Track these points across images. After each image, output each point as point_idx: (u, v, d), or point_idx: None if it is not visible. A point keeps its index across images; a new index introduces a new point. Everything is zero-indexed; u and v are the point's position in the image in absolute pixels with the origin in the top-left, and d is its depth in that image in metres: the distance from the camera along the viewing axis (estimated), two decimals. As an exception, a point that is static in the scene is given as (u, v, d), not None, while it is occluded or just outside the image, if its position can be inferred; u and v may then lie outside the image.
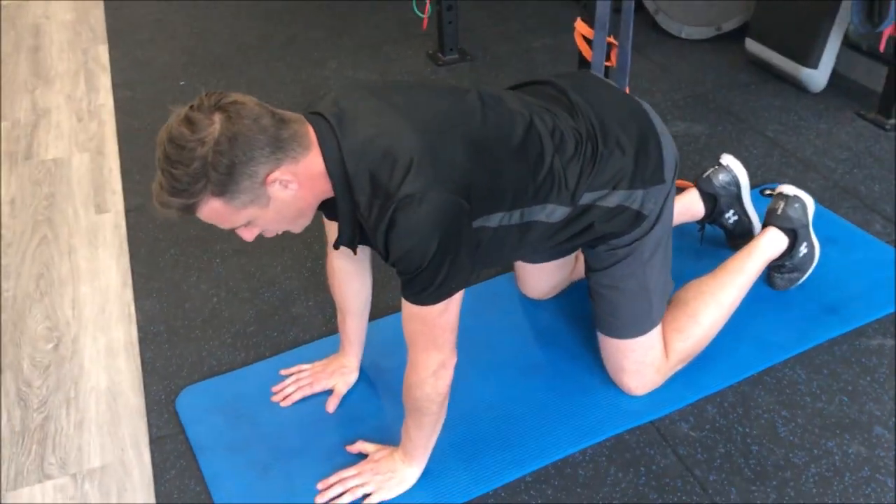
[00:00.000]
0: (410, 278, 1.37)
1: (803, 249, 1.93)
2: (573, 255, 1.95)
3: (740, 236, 2.09)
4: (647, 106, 1.66)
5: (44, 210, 2.46)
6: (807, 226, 1.92)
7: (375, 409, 1.76)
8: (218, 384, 1.84)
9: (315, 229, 2.28)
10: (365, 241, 1.47)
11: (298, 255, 2.24)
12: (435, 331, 1.42)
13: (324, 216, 1.60)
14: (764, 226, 1.94)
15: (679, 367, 1.79)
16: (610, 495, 1.59)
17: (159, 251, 2.27)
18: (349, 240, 1.45)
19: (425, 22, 3.14)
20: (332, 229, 1.66)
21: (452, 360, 1.47)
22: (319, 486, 1.60)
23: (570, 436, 1.69)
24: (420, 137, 1.35)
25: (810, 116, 2.75)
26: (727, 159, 2.03)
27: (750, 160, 2.52)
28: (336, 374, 1.81)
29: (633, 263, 1.64)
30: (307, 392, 1.79)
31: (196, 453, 1.69)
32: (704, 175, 2.03)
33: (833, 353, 1.86)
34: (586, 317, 1.95)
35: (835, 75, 2.86)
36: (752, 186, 2.25)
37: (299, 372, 1.83)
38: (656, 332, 1.72)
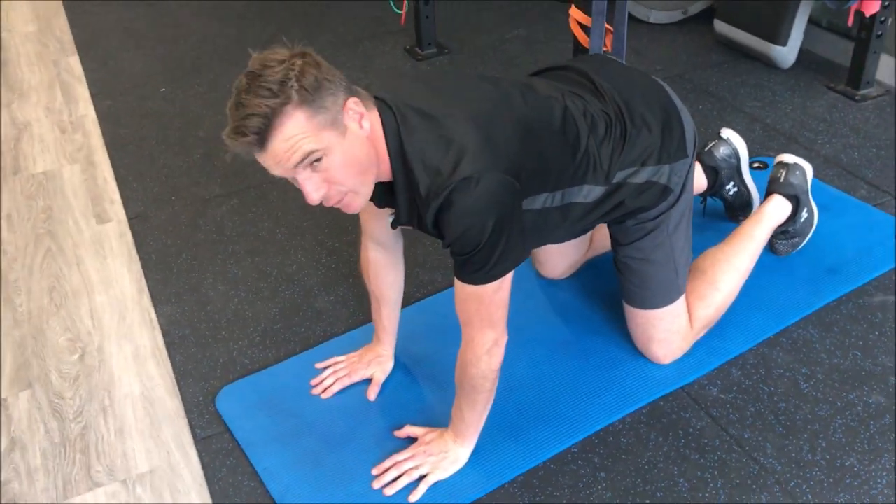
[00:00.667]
0: (467, 258, 1.42)
1: (804, 214, 2.03)
2: (588, 234, 2.01)
3: (740, 208, 2.18)
4: (664, 83, 1.73)
5: (43, 223, 2.43)
6: (807, 192, 2.02)
7: (416, 395, 1.80)
8: (255, 382, 1.86)
9: (327, 226, 2.32)
10: (420, 224, 1.50)
11: (312, 252, 2.26)
12: (490, 308, 1.47)
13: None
14: (767, 194, 2.03)
15: (702, 333, 1.87)
16: (654, 458, 1.66)
17: (171, 257, 2.27)
18: (408, 218, 1.48)
19: (403, 17, 3.18)
20: (367, 218, 1.69)
21: (504, 338, 1.53)
22: (374, 471, 1.63)
23: (607, 406, 1.75)
24: (473, 121, 1.40)
25: (784, 91, 2.87)
26: (727, 133, 2.12)
27: (734, 136, 2.62)
28: (373, 363, 1.84)
29: (660, 235, 1.72)
30: (346, 383, 1.82)
31: (245, 450, 1.71)
32: (706, 148, 2.12)
33: (840, 312, 1.96)
34: (605, 293, 2.02)
35: (800, 51, 2.98)
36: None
37: (335, 364, 1.86)
38: (682, 300, 1.80)
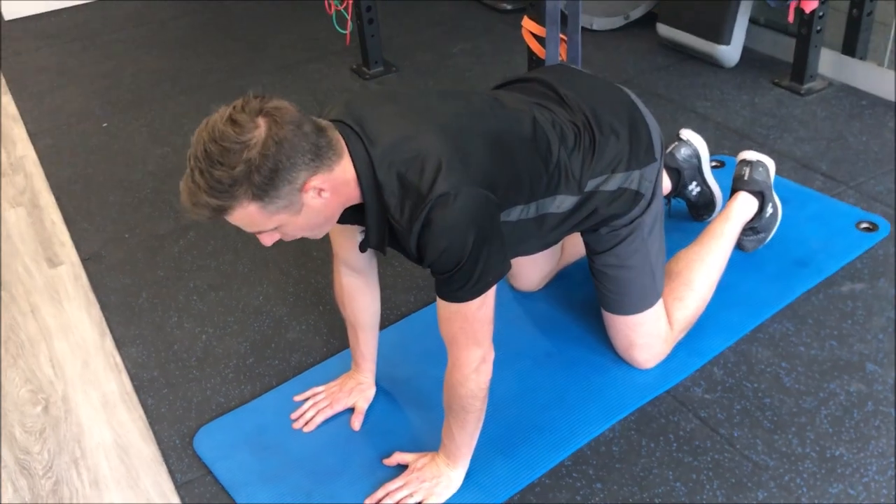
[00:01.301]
0: (449, 276, 1.39)
1: (770, 210, 2.05)
2: (559, 244, 2.00)
3: (703, 207, 2.20)
4: (628, 90, 1.73)
5: (-9, 271, 2.34)
6: (771, 187, 2.05)
7: (401, 420, 1.76)
8: (233, 420, 1.80)
9: (291, 254, 2.27)
10: (393, 245, 1.47)
11: (277, 282, 2.21)
12: (475, 325, 1.45)
13: (331, 229, 1.58)
14: (733, 192, 2.04)
15: (682, 334, 1.87)
16: (648, 465, 1.64)
17: (131, 297, 2.19)
18: (378, 242, 1.45)
19: (348, 38, 3.14)
20: (340, 242, 1.66)
21: (491, 354, 1.50)
22: (367, 502, 1.59)
23: (596, 416, 1.74)
24: (444, 138, 1.38)
25: (731, 90, 2.91)
26: (686, 133, 2.14)
27: (688, 136, 2.64)
28: (354, 391, 1.79)
29: (635, 241, 1.71)
30: (328, 414, 1.77)
31: (230, 491, 1.64)
32: (668, 151, 2.13)
33: (812, 304, 1.99)
34: (580, 302, 2.01)
35: (743, 49, 3.03)
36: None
37: (315, 395, 1.81)
38: (660, 303, 1.79)
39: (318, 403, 1.79)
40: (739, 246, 2.11)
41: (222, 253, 2.34)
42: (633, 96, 1.72)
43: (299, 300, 2.14)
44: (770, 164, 2.05)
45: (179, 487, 1.68)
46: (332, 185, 1.34)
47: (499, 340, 1.58)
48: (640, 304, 1.76)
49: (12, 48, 3.73)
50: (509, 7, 3.67)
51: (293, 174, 1.28)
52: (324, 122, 1.35)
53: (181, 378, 1.93)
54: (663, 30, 3.18)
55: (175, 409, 1.85)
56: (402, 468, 1.64)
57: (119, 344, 2.04)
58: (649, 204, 1.70)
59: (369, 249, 1.58)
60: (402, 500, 1.57)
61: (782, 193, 2.27)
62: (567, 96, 1.62)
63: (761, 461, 1.63)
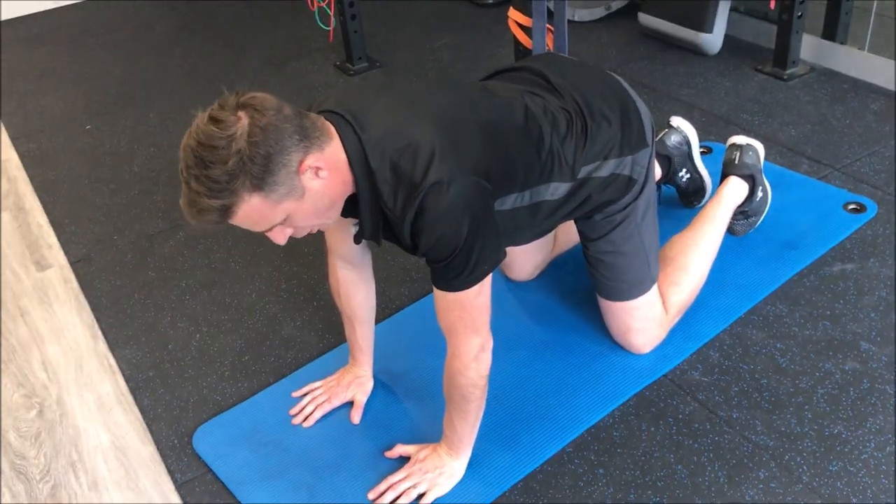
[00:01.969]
0: (445, 265, 1.39)
1: (760, 193, 2.06)
2: (552, 232, 2.01)
3: (693, 193, 2.21)
4: (617, 76, 1.74)
5: (-22, 277, 2.31)
6: (761, 171, 2.06)
7: (401, 412, 1.76)
8: (231, 417, 1.79)
9: (282, 250, 2.26)
10: (387, 236, 1.47)
11: (270, 279, 2.20)
12: (473, 314, 1.45)
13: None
14: (723, 176, 2.06)
15: (677, 318, 1.88)
16: (649, 449, 1.65)
17: (122, 298, 2.18)
18: (372, 232, 1.45)
19: (331, 34, 3.13)
20: (334, 235, 1.65)
21: (490, 342, 1.50)
22: (370, 495, 1.58)
23: (595, 402, 1.74)
24: (437, 127, 1.38)
25: (715, 77, 2.93)
26: (676, 120, 2.14)
27: (674, 124, 2.66)
28: (353, 385, 1.79)
29: (629, 226, 1.72)
30: (327, 408, 1.77)
31: (231, 489, 1.63)
32: (657, 138, 2.13)
33: (804, 285, 2.00)
34: (575, 289, 2.02)
35: (725, 37, 3.05)
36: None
37: (313, 390, 1.81)
38: (655, 288, 1.80)
39: (317, 398, 1.78)
40: (730, 230, 2.12)
41: (214, 251, 2.32)
42: (624, 83, 1.72)
43: (293, 296, 2.13)
44: (759, 147, 2.06)
45: (180, 487, 1.66)
46: (328, 163, 1.33)
47: (495, 331, 1.59)
48: (635, 289, 1.77)
49: (-10, 53, 3.70)
50: (491, 1, 3.67)
51: (286, 157, 1.27)
52: (305, 110, 1.35)
53: (177, 377, 1.92)
54: (645, 19, 3.19)
55: (172, 409, 1.84)
56: (403, 460, 1.64)
57: (112, 345, 2.03)
58: (642, 189, 1.70)
59: (363, 242, 1.57)
60: (405, 491, 1.57)
61: (770, 178, 2.28)
62: (557, 83, 1.62)
63: (761, 441, 1.64)
